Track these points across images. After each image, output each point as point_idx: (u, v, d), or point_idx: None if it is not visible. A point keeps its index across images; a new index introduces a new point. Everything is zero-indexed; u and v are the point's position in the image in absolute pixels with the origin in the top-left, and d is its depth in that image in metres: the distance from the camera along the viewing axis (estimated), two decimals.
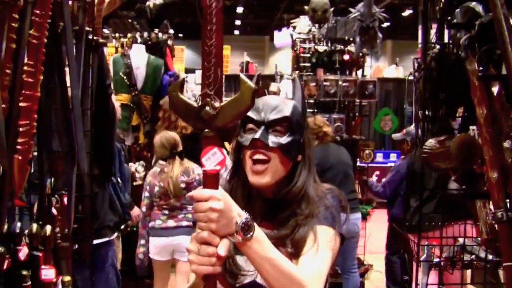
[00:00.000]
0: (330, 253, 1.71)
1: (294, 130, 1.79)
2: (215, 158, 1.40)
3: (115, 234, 3.97)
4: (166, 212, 4.95)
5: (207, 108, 1.39)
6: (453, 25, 2.68)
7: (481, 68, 2.43)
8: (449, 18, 2.74)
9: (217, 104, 1.39)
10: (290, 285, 1.50)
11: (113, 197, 3.95)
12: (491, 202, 2.43)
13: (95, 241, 3.36)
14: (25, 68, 2.21)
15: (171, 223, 4.93)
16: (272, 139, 1.76)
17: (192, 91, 10.33)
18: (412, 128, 6.23)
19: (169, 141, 4.97)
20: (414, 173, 4.67)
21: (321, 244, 1.69)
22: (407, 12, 19.65)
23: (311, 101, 6.91)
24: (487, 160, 2.36)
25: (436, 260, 3.19)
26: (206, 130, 1.41)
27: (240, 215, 1.42)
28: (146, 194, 4.99)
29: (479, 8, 2.51)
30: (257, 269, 1.51)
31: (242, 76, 1.44)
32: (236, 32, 25.99)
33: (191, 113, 1.42)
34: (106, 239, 3.66)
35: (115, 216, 3.91)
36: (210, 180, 1.39)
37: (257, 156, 1.75)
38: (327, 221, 1.74)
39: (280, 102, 1.83)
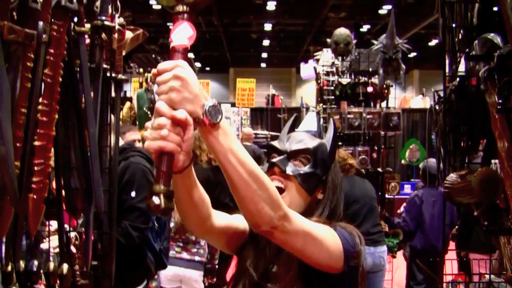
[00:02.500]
0: (322, 227, 1.64)
1: (316, 164, 1.79)
2: (184, 33, 1.31)
3: None
4: (181, 244, 5.05)
5: None
6: (471, 57, 2.64)
7: (501, 100, 2.37)
8: (467, 50, 2.70)
9: None
10: (263, 194, 1.40)
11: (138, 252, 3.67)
12: None
13: None
14: (39, 107, 2.22)
15: (185, 255, 5.03)
16: (291, 168, 1.76)
17: None
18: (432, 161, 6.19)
19: None
20: None
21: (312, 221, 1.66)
22: (433, 42, 19.64)
23: None
24: (509, 195, 2.29)
25: None
26: (178, 5, 1.34)
27: (207, 98, 1.33)
28: None
29: (498, 40, 2.45)
30: (223, 166, 1.38)
31: None
32: (263, 64, 26.19)
33: None
34: None
35: (134, 271, 3.71)
36: (177, 56, 1.31)
37: (273, 183, 1.73)
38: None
39: (307, 137, 1.85)
